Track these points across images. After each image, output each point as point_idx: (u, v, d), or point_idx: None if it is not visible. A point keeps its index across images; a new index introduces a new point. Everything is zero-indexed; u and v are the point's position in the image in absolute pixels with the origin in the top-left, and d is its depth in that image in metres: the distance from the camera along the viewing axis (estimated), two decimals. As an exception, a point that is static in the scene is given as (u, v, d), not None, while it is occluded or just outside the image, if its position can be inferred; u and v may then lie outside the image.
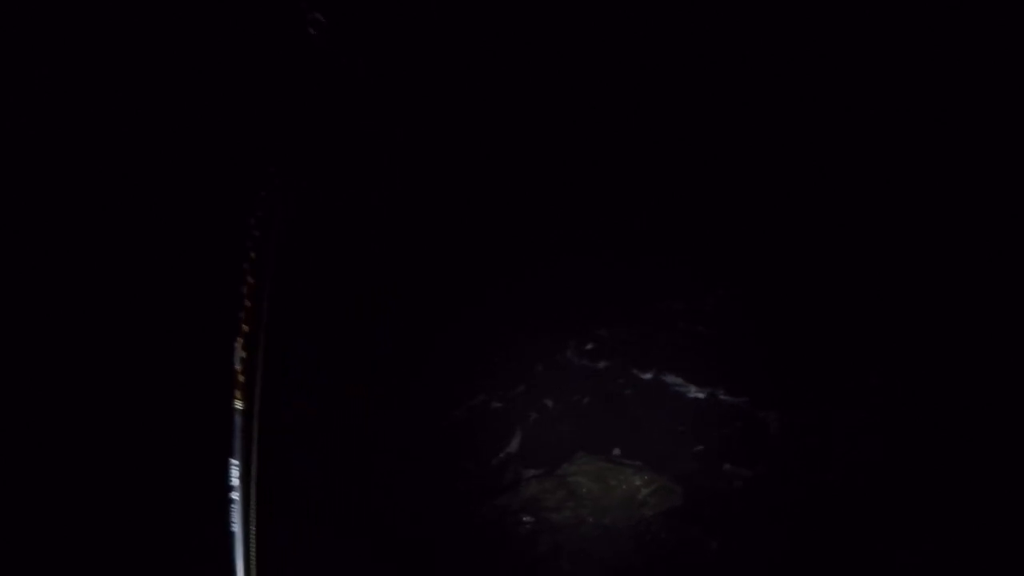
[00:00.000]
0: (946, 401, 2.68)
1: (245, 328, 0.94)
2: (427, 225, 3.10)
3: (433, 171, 3.09)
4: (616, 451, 3.00)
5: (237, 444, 0.84)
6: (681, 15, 2.84)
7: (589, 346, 3.16)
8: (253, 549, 0.80)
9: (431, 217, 3.09)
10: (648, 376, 3.10)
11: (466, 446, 3.59)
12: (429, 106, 3.07)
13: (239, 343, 0.94)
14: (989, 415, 2.56)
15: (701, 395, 2.94)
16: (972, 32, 2.54)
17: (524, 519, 3.14)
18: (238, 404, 0.87)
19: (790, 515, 2.69)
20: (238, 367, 0.91)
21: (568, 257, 3.18)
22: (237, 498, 0.80)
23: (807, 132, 2.81)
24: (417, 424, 3.59)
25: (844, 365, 2.89)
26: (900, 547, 2.53)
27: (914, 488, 2.60)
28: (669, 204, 3.10)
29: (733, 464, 2.78)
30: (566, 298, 3.28)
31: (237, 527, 0.80)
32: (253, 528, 0.80)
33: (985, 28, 2.53)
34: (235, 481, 0.82)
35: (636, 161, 3.06)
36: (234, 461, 0.83)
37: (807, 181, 2.84)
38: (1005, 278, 2.61)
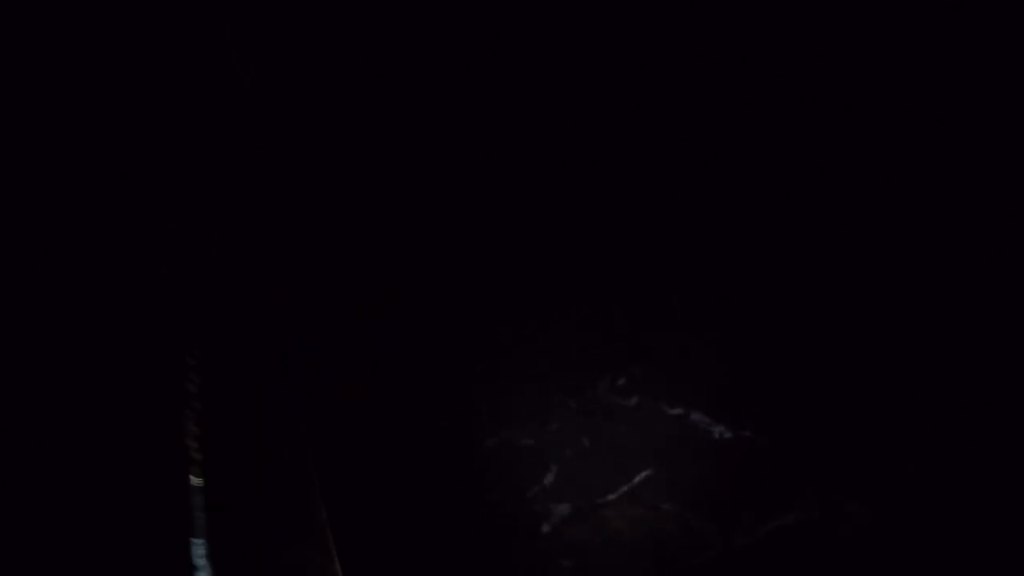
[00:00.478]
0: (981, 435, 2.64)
1: (196, 401, 0.90)
2: (428, 240, 3.10)
3: (436, 175, 3.06)
4: (647, 473, 2.99)
5: (200, 522, 0.81)
6: (681, 15, 2.80)
7: (621, 381, 3.15)
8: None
9: (433, 231, 3.07)
10: (678, 412, 3.08)
11: (499, 485, 3.59)
12: (429, 106, 3.05)
13: (191, 416, 0.90)
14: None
15: (728, 434, 2.91)
16: (972, 32, 2.53)
17: (564, 564, 3.15)
18: (195, 480, 0.83)
19: (824, 558, 2.68)
20: (192, 442, 0.88)
21: (586, 282, 3.16)
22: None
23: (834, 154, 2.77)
24: (449, 456, 3.58)
25: (874, 403, 2.86)
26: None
27: (941, 525, 2.55)
28: (697, 234, 3.06)
29: (767, 506, 2.76)
30: (588, 324, 3.26)
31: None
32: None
33: (985, 28, 2.53)
34: (200, 561, 0.78)
35: (660, 179, 3.01)
36: (197, 540, 0.79)
37: (839, 219, 2.80)
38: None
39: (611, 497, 3.09)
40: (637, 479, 3.15)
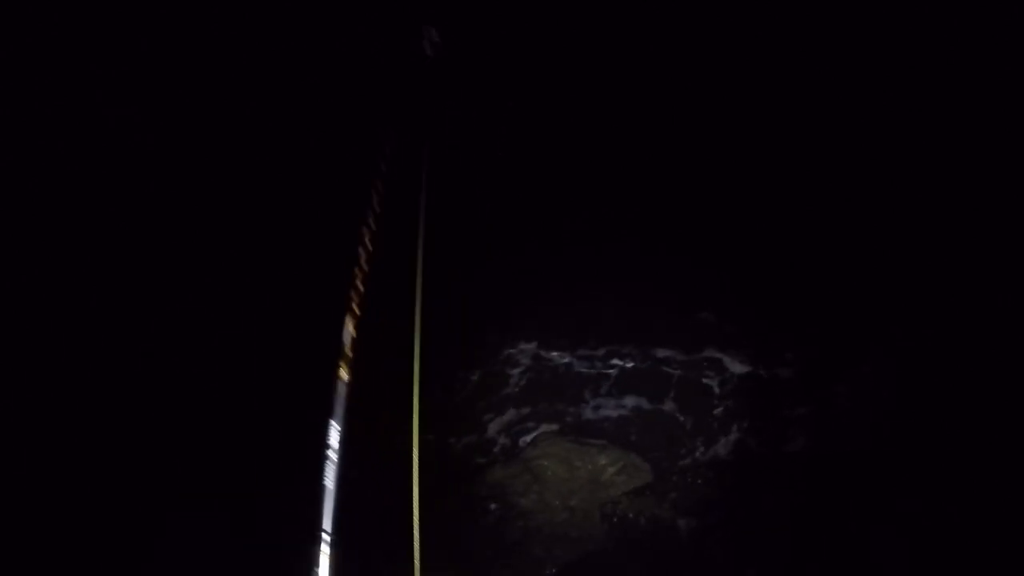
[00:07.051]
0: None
1: (356, 311, 1.06)
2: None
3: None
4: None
5: (339, 410, 0.97)
6: (681, 16, 2.91)
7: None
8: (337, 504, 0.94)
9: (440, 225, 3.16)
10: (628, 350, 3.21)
11: (427, 432, 3.66)
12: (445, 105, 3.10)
13: (349, 323, 1.06)
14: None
15: (679, 371, 3.06)
16: (972, 32, 2.59)
17: (491, 507, 3.23)
18: (343, 375, 1.00)
19: (759, 493, 2.82)
20: (347, 344, 1.04)
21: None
22: (334, 457, 0.93)
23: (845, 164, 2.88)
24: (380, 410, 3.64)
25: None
26: (871, 529, 2.62)
27: (887, 477, 2.68)
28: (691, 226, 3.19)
29: (699, 443, 2.92)
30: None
31: (330, 483, 0.93)
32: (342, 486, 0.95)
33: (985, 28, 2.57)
34: (334, 442, 0.95)
35: (657, 172, 3.14)
36: (335, 424, 0.96)
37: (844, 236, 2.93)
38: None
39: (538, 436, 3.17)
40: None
